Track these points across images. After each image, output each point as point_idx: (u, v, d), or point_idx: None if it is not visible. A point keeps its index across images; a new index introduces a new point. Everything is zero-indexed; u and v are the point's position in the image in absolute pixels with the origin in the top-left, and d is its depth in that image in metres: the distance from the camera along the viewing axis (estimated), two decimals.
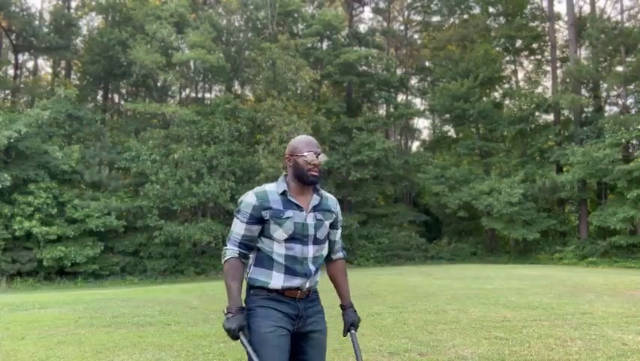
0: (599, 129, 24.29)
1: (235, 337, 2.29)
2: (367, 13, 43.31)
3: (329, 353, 5.00)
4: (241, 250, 2.44)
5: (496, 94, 31.43)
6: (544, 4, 30.84)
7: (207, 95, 31.58)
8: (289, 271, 2.45)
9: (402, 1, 36.65)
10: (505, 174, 27.58)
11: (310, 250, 2.48)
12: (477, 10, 32.83)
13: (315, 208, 2.51)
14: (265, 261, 2.46)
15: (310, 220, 2.47)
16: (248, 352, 2.29)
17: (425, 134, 41.20)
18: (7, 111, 22.55)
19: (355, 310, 2.74)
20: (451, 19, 35.52)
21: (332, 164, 27.60)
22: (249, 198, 2.45)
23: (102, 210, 22.09)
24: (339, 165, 27.59)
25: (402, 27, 37.97)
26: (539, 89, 31.68)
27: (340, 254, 2.73)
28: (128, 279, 22.25)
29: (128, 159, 24.16)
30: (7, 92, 27.94)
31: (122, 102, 31.07)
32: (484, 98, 29.27)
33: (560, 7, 52.97)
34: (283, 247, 2.44)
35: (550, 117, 29.04)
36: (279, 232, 2.42)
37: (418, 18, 37.33)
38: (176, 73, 26.52)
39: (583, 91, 26.97)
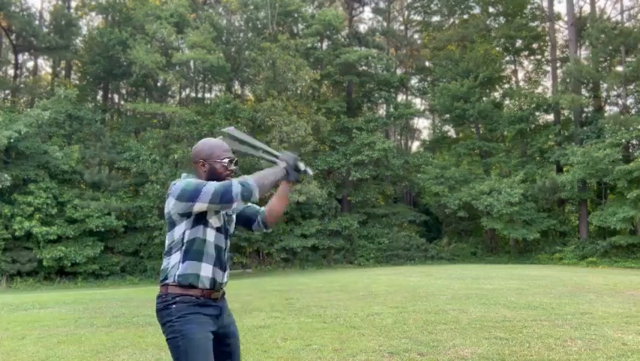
0: (599, 129, 24.27)
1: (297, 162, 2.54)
2: (367, 13, 43.35)
3: (329, 353, 5.01)
4: None
5: (496, 94, 31.42)
6: (544, 4, 30.85)
7: (207, 95, 31.61)
8: (217, 263, 2.48)
9: (402, 1, 36.65)
10: (505, 174, 27.58)
11: (227, 243, 2.58)
12: (477, 10, 32.83)
13: None
14: (195, 254, 2.43)
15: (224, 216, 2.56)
16: None
17: (425, 134, 41.28)
18: (7, 111, 22.55)
19: None
20: (451, 19, 35.52)
21: (332, 164, 27.60)
22: (186, 180, 2.44)
23: (102, 210, 22.09)
24: (339, 165, 27.59)
25: (402, 27, 37.98)
26: (539, 89, 31.78)
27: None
28: (128, 279, 22.25)
29: (128, 159, 24.17)
30: (7, 92, 27.93)
31: (122, 102, 31.07)
32: (484, 98, 29.26)
33: (560, 7, 53.02)
34: (214, 235, 2.47)
35: (551, 117, 29.03)
36: (214, 219, 2.47)
37: (418, 18, 37.34)
38: (176, 73, 26.53)
39: (583, 91, 26.95)
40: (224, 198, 2.33)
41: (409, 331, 5.94)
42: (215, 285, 2.48)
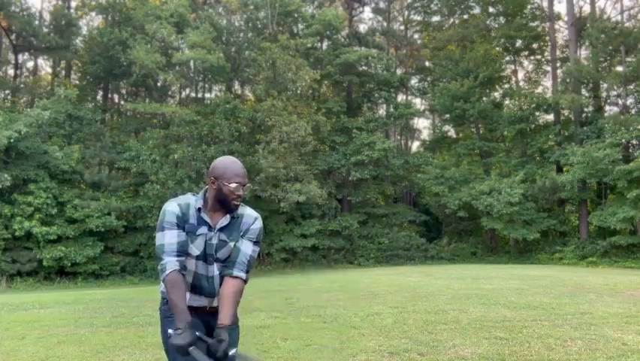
0: (599, 129, 24.27)
1: (185, 353, 2.14)
2: (367, 13, 43.32)
3: (329, 353, 5.01)
4: (180, 260, 2.35)
5: (496, 94, 31.42)
6: (545, 4, 30.84)
7: (207, 95, 31.60)
8: (195, 290, 2.48)
9: (402, 1, 36.64)
10: (505, 174, 27.57)
11: (215, 269, 2.48)
12: (477, 10, 32.83)
13: (222, 229, 2.48)
14: None
15: (214, 240, 2.46)
16: None
17: (425, 134, 41.28)
18: (7, 111, 22.55)
19: (228, 334, 2.29)
20: (451, 19, 35.52)
21: (332, 164, 27.61)
22: (171, 208, 2.42)
23: (102, 210, 22.08)
24: (339, 165, 27.59)
25: (402, 27, 37.97)
26: (539, 89, 31.75)
27: (241, 273, 2.45)
28: (128, 279, 22.25)
29: (128, 159, 24.17)
30: (7, 92, 27.91)
31: (122, 102, 31.07)
32: (484, 98, 29.24)
33: (560, 7, 52.98)
34: (193, 264, 2.44)
35: (551, 117, 29.02)
36: (192, 248, 2.42)
37: (418, 18, 37.33)
38: (176, 73, 26.51)
39: (583, 91, 26.94)
40: (158, 258, 2.37)
41: (409, 331, 5.94)
42: (195, 307, 2.46)
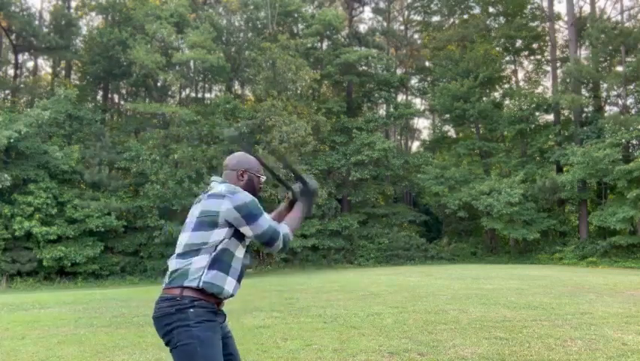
0: (599, 129, 24.27)
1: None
2: (367, 13, 43.41)
3: (329, 353, 5.02)
4: None
5: (496, 94, 31.41)
6: (545, 4, 30.85)
7: (207, 95, 31.62)
8: (239, 279, 2.51)
9: (402, 1, 36.65)
10: (505, 174, 27.57)
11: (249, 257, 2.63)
12: (477, 10, 32.84)
13: None
14: (224, 265, 2.39)
15: None
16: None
17: (425, 134, 41.29)
18: (7, 111, 22.55)
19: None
20: (451, 19, 35.53)
21: (332, 164, 27.60)
22: (251, 197, 2.51)
23: (102, 210, 22.09)
24: (339, 165, 27.59)
25: (402, 27, 37.98)
26: (539, 89, 31.78)
27: None
28: (128, 279, 22.25)
29: (128, 159, 24.16)
30: (7, 92, 27.92)
31: (122, 102, 31.07)
32: (484, 98, 29.24)
33: (560, 7, 53.03)
34: (243, 253, 2.50)
35: (551, 117, 29.02)
36: (246, 241, 2.52)
37: (418, 18, 37.34)
38: (176, 73, 26.52)
39: (583, 91, 26.94)
40: (268, 243, 2.45)
41: (409, 331, 5.94)
42: (230, 298, 2.51)
